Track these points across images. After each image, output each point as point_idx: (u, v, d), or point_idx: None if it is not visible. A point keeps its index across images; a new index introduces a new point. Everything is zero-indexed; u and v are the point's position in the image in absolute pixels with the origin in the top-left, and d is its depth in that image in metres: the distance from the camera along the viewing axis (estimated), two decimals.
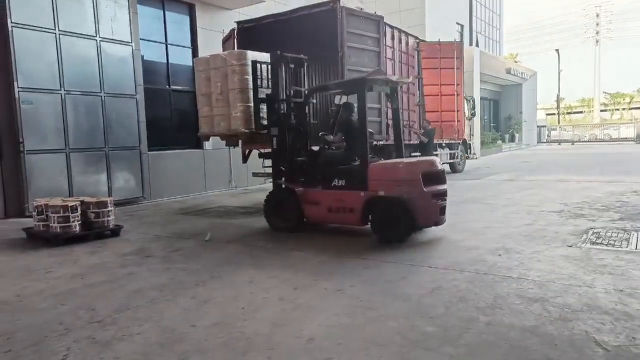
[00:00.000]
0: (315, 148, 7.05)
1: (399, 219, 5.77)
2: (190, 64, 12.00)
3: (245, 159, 9.19)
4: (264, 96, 7.21)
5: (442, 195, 5.93)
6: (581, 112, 62.44)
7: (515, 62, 39.74)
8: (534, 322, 3.33)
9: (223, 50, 10.93)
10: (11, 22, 8.36)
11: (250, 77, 7.46)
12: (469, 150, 17.00)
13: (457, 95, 13.83)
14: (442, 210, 5.93)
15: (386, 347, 3.04)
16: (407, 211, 5.71)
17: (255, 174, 9.61)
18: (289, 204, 6.75)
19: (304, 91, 7.11)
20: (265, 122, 7.26)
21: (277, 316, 3.60)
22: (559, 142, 37.78)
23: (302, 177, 6.73)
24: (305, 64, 7.51)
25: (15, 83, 8.42)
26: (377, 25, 9.75)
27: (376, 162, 6.21)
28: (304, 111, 6.98)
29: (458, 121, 13.72)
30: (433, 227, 6.08)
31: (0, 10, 8.33)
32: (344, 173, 6.33)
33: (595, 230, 6.10)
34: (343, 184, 6.28)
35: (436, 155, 11.78)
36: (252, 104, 7.48)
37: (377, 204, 5.95)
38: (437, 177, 5.99)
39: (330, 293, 4.10)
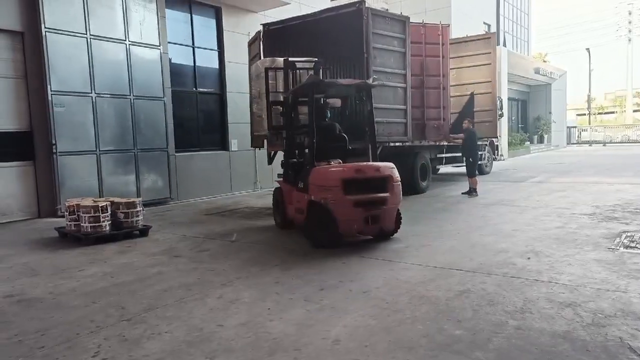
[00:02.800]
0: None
1: (323, 225, 5.75)
2: (217, 66, 12.19)
3: (270, 160, 9.25)
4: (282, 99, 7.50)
5: (372, 203, 5.68)
6: (613, 113, 60.80)
7: (544, 61, 38.96)
8: (566, 327, 3.25)
9: (249, 53, 11.07)
10: (45, 27, 8.61)
11: (275, 82, 7.75)
12: (496, 152, 16.72)
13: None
14: (373, 219, 5.70)
15: (413, 350, 3.01)
16: (330, 217, 5.64)
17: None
18: (280, 201, 7.18)
19: (284, 95, 7.22)
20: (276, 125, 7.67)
21: (303, 317, 3.61)
22: (590, 143, 36.84)
23: (292, 177, 6.92)
24: (321, 67, 7.59)
25: (48, 86, 8.68)
26: (403, 26, 9.69)
27: (319, 166, 6.04)
28: (297, 114, 7.17)
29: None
30: (462, 230, 5.96)
31: (34, 15, 8.59)
32: (302, 176, 6.40)
33: (629, 234, 5.93)
34: (302, 186, 6.36)
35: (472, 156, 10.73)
36: (276, 107, 7.66)
37: (310, 208, 5.96)
38: (368, 184, 5.75)
39: (355, 294, 4.08)
